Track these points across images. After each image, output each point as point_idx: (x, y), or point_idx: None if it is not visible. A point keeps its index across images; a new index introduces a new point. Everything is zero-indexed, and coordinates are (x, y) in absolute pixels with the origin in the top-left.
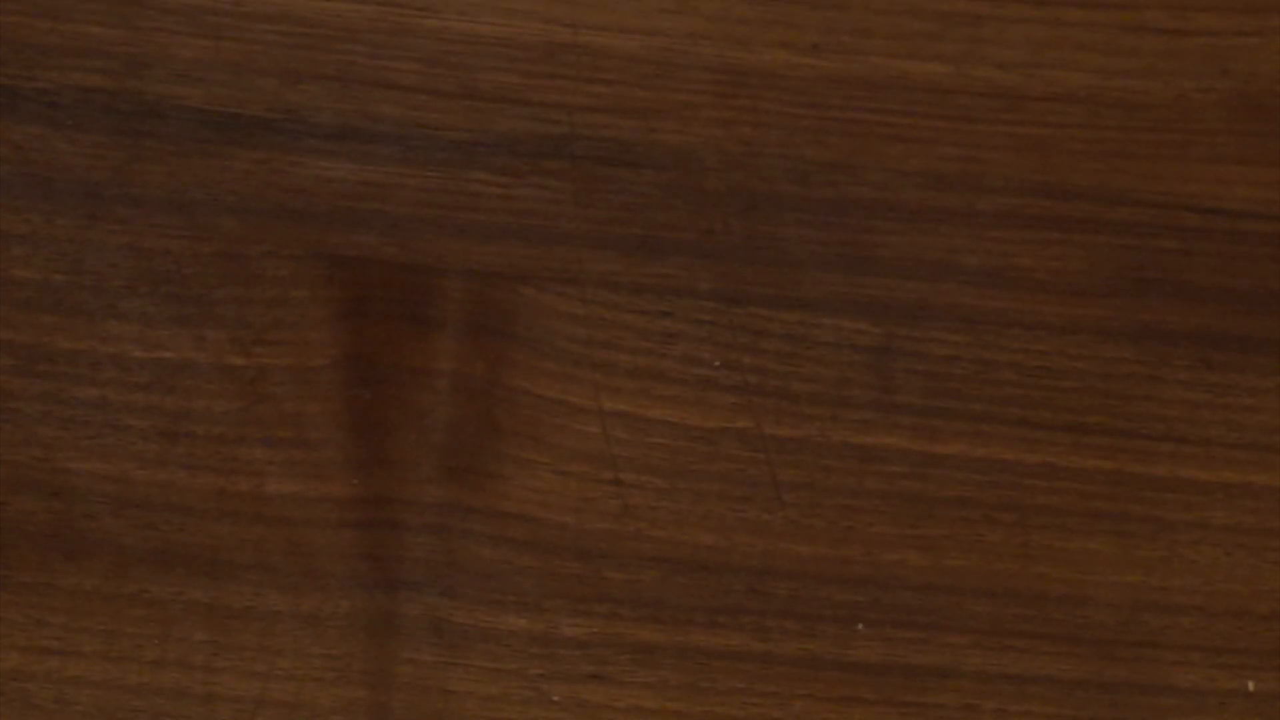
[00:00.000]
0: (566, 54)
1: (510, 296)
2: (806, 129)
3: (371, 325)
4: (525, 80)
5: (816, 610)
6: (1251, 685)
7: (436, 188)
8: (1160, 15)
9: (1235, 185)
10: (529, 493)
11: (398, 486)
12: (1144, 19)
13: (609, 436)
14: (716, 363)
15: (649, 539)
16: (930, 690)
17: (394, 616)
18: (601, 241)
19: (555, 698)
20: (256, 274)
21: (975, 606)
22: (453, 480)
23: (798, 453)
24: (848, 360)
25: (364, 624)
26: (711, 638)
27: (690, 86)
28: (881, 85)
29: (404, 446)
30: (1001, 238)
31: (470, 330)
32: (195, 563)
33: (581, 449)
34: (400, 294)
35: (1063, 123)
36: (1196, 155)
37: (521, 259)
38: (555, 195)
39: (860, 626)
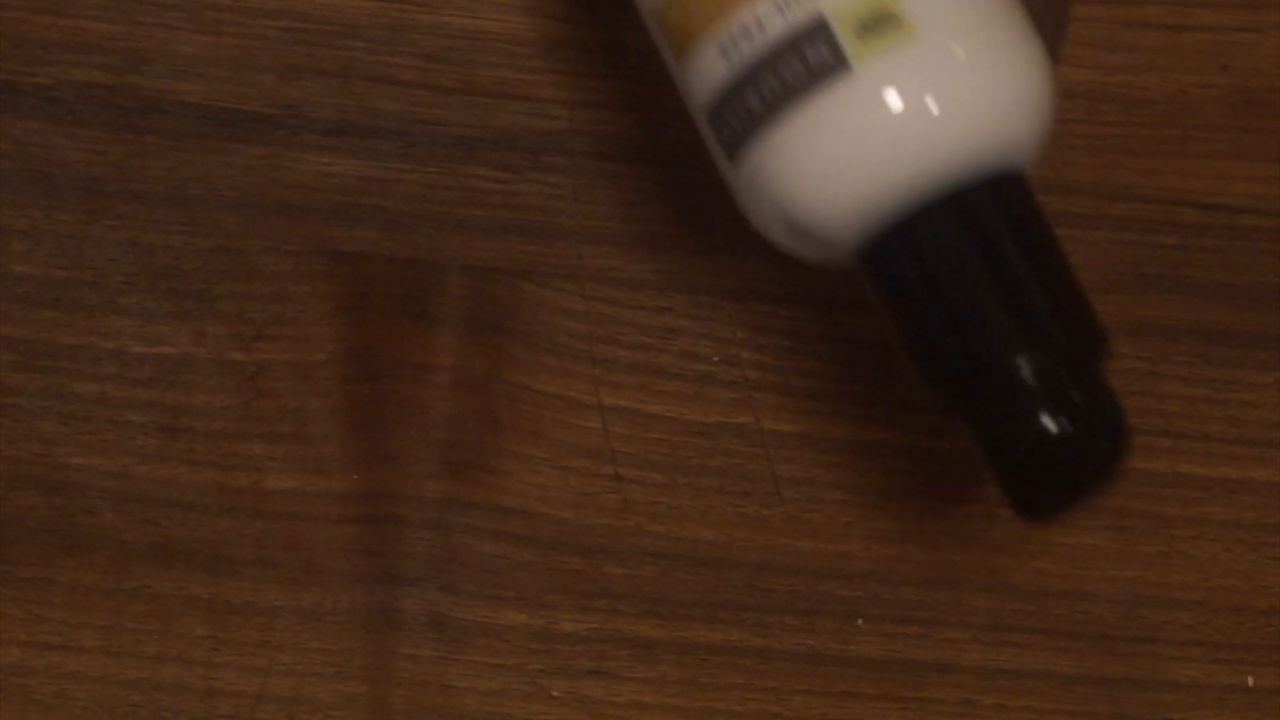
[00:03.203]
0: (566, 49)
1: (510, 292)
2: None
3: (371, 321)
4: (525, 75)
5: (816, 605)
6: (1251, 680)
7: (436, 183)
8: (1160, 11)
9: (1235, 181)
10: (529, 488)
11: (398, 482)
12: (1144, 14)
13: (609, 432)
14: (716, 358)
15: (649, 534)
16: (930, 685)
17: (394, 612)
18: (601, 237)
19: (555, 693)
20: (256, 269)
21: (975, 602)
22: (453, 476)
23: (797, 448)
24: (847, 355)
25: (364, 619)
26: (711, 633)
27: None
28: None
29: (404, 442)
30: None
31: (470, 326)
32: (195, 558)
33: (581, 444)
34: (400, 289)
35: (1062, 118)
36: (1196, 151)
37: (521, 254)
38: (555, 190)
39: (860, 622)
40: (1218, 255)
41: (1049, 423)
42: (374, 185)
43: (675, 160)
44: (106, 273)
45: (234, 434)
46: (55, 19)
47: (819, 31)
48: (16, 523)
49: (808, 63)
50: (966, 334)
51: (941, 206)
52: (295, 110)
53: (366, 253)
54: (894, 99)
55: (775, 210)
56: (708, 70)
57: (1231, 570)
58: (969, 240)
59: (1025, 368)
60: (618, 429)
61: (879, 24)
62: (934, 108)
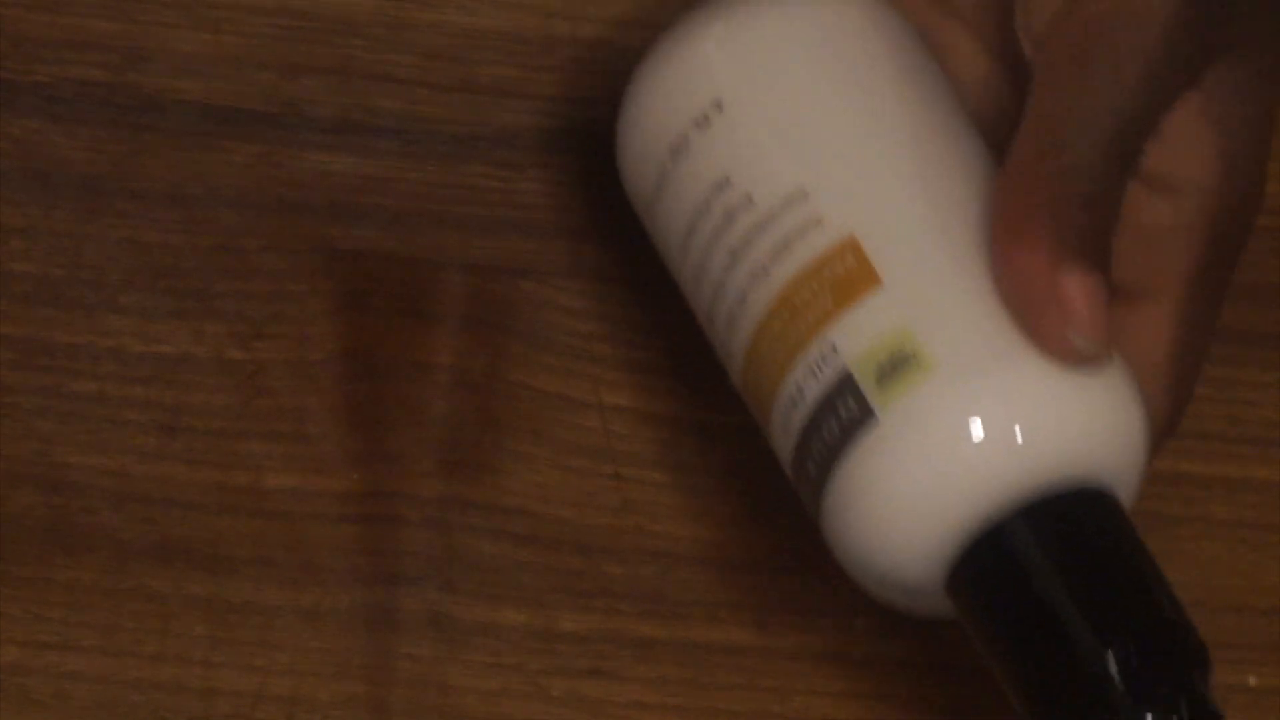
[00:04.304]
0: (566, 47)
1: (510, 290)
2: None
3: (370, 319)
4: (524, 73)
5: (816, 605)
6: (1253, 680)
7: (435, 181)
8: None
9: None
10: (528, 487)
11: (397, 481)
12: None
13: (609, 430)
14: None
15: (649, 533)
16: (930, 684)
17: (393, 611)
18: (601, 234)
19: (555, 693)
20: (255, 268)
21: None
22: (452, 475)
23: None
24: None
25: (363, 618)
26: (711, 632)
27: None
28: None
29: (403, 441)
30: None
31: (469, 324)
32: (194, 557)
33: (581, 443)
34: (399, 288)
35: None
36: None
37: (521, 253)
38: (555, 189)
39: (860, 621)
40: None
41: None
42: (373, 183)
43: None
44: (105, 271)
45: (233, 433)
46: (54, 17)
47: (846, 386)
48: (15, 522)
49: (840, 419)
50: (1056, 659)
51: (1006, 526)
52: (294, 108)
53: (366, 251)
54: (915, 439)
55: (856, 565)
56: (778, 442)
57: (1233, 569)
58: (1034, 561)
59: (1120, 690)
60: (617, 428)
61: (896, 367)
62: (968, 438)
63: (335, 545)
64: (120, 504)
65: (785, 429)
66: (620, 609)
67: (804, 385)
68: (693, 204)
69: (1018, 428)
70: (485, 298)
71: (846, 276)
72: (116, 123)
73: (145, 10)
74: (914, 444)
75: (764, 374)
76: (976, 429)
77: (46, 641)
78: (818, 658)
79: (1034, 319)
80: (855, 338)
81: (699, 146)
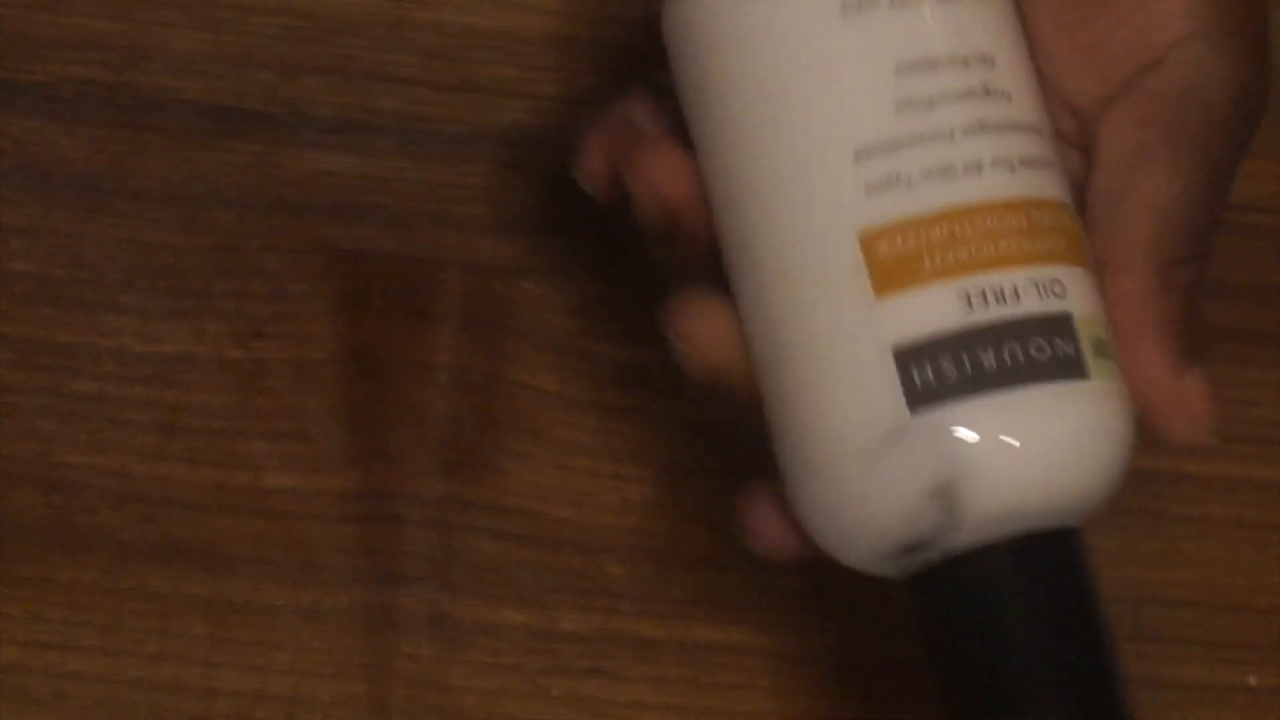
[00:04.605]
0: (565, 46)
1: (510, 290)
2: None
3: (370, 318)
4: (524, 73)
5: (817, 604)
6: (1253, 680)
7: (435, 181)
8: None
9: (1237, 179)
10: (529, 487)
11: (397, 480)
12: None
13: (609, 430)
14: None
15: (649, 533)
16: (930, 684)
17: (393, 611)
18: (601, 235)
19: (555, 692)
20: (255, 267)
21: None
22: (452, 474)
23: None
24: None
25: (363, 618)
26: (711, 632)
27: None
28: None
29: (403, 440)
30: None
31: (469, 324)
32: (194, 557)
33: (581, 443)
34: (399, 287)
35: None
36: None
37: (521, 252)
38: (554, 189)
39: (860, 621)
40: (1219, 253)
41: None
42: (373, 183)
43: None
44: (105, 271)
45: (233, 432)
46: (54, 16)
47: (1068, 329)
48: (15, 521)
49: (1053, 350)
50: (993, 675)
51: (1034, 542)
52: (294, 108)
53: (366, 250)
54: (1105, 419)
55: (939, 467)
56: (930, 310)
57: (1233, 569)
58: (1027, 585)
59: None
60: (618, 427)
61: (1103, 349)
62: (1110, 445)
63: (335, 545)
64: (120, 504)
65: (968, 303)
66: (620, 609)
67: (1025, 291)
68: (934, 48)
69: (1119, 458)
70: (485, 297)
71: (1076, 236)
72: (116, 122)
73: (145, 10)
74: (1098, 423)
75: (962, 234)
76: (1122, 439)
77: (46, 641)
78: (818, 658)
79: (1162, 418)
80: (1082, 296)
81: (963, 7)
